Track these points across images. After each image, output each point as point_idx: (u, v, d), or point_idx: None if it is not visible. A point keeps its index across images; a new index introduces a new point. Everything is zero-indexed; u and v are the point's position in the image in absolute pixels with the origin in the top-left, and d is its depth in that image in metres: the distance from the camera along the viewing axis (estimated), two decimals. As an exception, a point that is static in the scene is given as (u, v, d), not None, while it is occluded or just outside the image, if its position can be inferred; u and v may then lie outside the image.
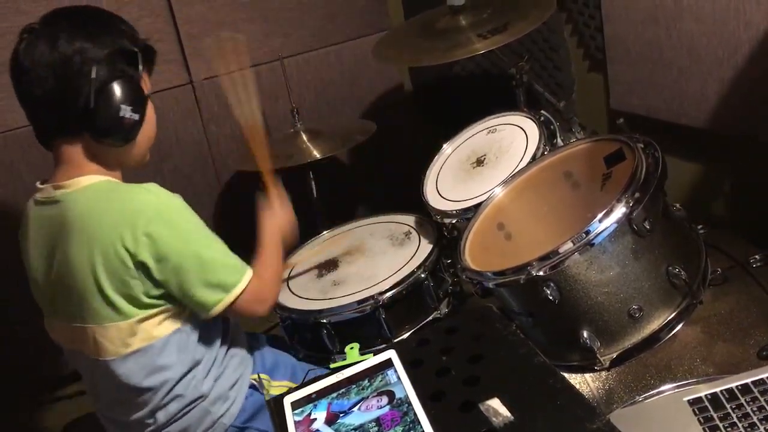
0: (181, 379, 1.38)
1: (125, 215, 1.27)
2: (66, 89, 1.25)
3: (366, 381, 1.04)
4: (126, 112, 1.29)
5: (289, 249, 1.79)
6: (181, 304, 1.36)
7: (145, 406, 1.38)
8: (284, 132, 2.26)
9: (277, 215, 1.58)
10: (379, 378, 1.04)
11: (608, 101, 2.29)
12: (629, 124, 1.69)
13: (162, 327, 1.34)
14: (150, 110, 1.38)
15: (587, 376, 1.52)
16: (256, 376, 1.53)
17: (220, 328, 1.48)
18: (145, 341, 1.33)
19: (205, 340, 1.42)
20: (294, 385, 1.53)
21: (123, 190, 1.33)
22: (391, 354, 1.08)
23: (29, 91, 1.27)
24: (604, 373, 1.51)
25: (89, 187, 1.31)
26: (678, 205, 1.43)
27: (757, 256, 1.72)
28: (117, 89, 1.28)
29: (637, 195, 1.27)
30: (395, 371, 1.04)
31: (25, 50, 1.26)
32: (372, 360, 1.08)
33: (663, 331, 1.32)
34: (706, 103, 1.84)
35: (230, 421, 1.45)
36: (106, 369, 1.34)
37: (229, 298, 1.34)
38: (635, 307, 1.30)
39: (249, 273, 1.38)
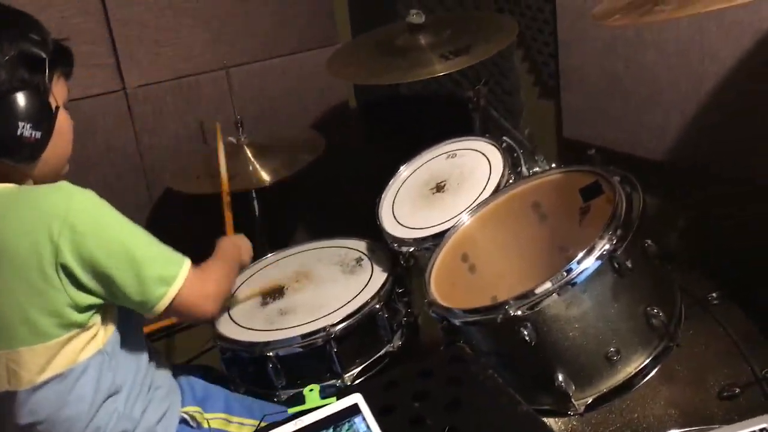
0: (98, 410, 1.23)
1: (37, 221, 1.14)
2: None
3: (330, 430, 0.94)
4: (25, 129, 1.16)
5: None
6: (105, 319, 1.23)
7: None
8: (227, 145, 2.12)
9: (233, 237, 1.64)
10: (346, 426, 0.95)
11: (559, 129, 2.27)
12: (582, 153, 1.62)
13: (85, 349, 1.21)
14: (64, 121, 1.26)
15: (556, 420, 1.46)
16: (186, 409, 1.40)
17: (144, 350, 1.35)
18: (64, 366, 1.19)
19: (127, 363, 1.29)
20: (231, 418, 1.44)
21: (31, 193, 1.20)
22: (358, 398, 0.98)
23: None
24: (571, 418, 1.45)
25: None
26: (650, 241, 1.38)
27: (714, 294, 1.70)
28: (15, 103, 1.15)
29: (620, 232, 1.21)
30: (363, 419, 0.95)
31: None
32: (336, 405, 0.98)
33: (638, 376, 1.26)
34: (667, 136, 1.83)
35: None
36: (16, 403, 1.19)
37: (172, 290, 1.23)
38: (612, 350, 1.23)
39: (187, 262, 1.27)
